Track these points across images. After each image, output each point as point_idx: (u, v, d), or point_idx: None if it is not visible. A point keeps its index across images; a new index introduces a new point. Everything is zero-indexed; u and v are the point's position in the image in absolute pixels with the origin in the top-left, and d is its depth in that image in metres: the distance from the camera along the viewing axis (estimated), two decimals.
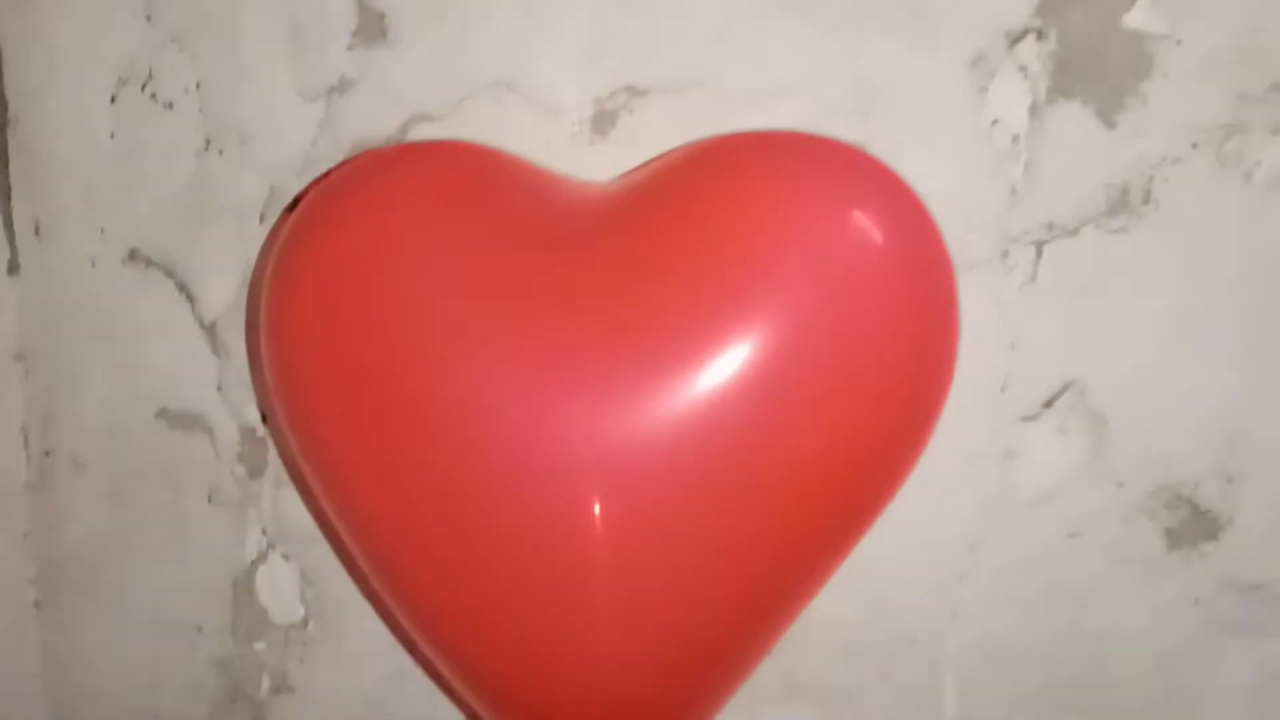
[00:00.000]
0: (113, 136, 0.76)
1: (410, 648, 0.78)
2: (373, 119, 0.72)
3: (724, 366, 0.54)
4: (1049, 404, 0.68)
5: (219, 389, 0.78)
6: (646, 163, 0.65)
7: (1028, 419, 0.69)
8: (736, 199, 0.56)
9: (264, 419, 0.77)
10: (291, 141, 0.73)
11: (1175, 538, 0.68)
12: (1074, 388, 0.68)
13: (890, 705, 0.74)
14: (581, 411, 0.55)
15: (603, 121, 0.69)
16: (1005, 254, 0.67)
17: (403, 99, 0.71)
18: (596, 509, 0.55)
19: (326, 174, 0.71)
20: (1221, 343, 0.66)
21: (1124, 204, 0.65)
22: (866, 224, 0.56)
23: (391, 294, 0.58)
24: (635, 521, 0.56)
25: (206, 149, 0.75)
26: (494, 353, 0.56)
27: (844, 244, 0.55)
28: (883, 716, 0.74)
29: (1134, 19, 0.63)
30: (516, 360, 0.56)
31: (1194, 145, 0.64)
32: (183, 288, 0.77)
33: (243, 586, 0.81)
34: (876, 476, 0.59)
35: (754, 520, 0.57)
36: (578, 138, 0.69)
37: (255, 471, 0.79)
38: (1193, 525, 0.68)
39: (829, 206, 0.56)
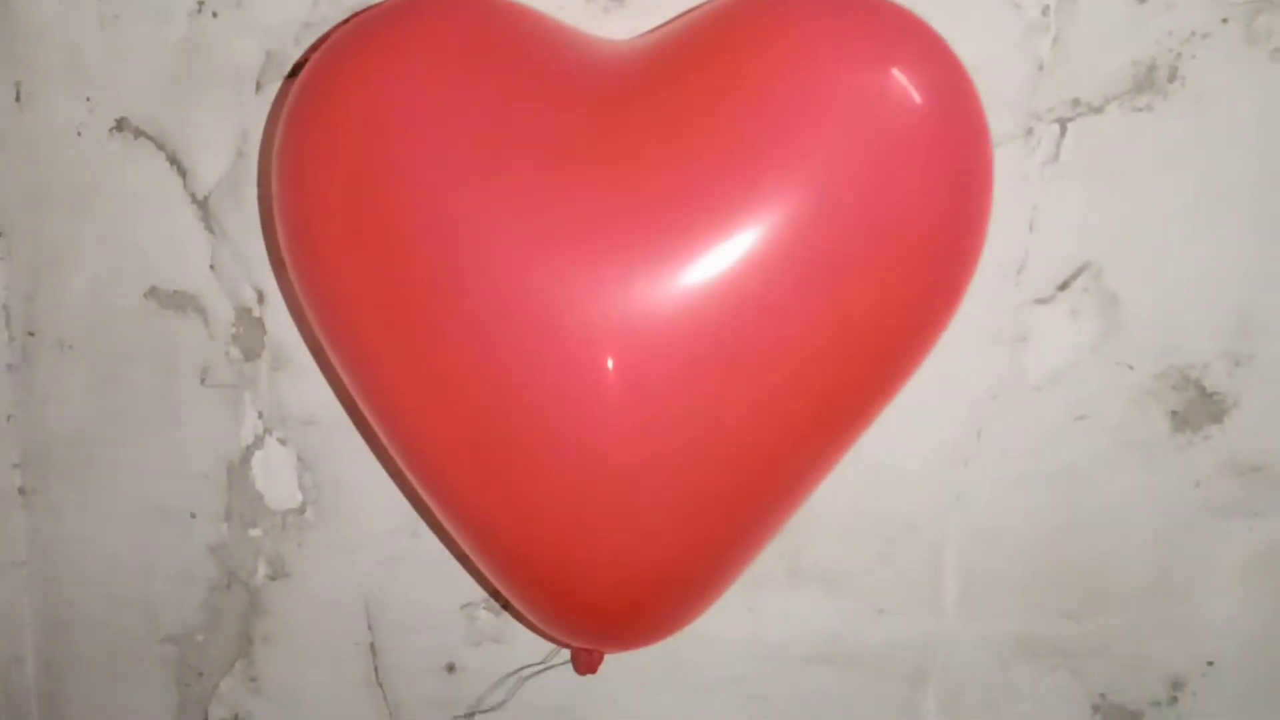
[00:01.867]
0: None
1: (428, 521, 0.74)
2: None
3: (750, 231, 0.50)
4: (1064, 286, 0.66)
5: (212, 267, 0.73)
6: (674, 18, 0.61)
7: (1042, 301, 0.66)
8: (768, 54, 0.52)
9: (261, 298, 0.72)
10: (289, 4, 0.68)
11: (1180, 420, 0.67)
12: (1090, 269, 0.65)
13: (890, 588, 0.72)
14: (603, 273, 0.51)
15: None
16: (1030, 131, 0.64)
17: None
18: (612, 371, 0.52)
19: (336, 27, 0.66)
20: (1240, 226, 0.63)
21: (1150, 82, 0.62)
22: (904, 83, 0.51)
23: (407, 152, 0.53)
24: (651, 386, 0.52)
25: (199, 11, 0.69)
26: (515, 212, 0.52)
27: (878, 103, 0.51)
28: (883, 599, 0.72)
29: None
30: (538, 220, 0.52)
31: (1224, 20, 0.61)
32: (174, 160, 0.72)
33: (238, 471, 0.77)
34: (898, 351, 0.56)
35: (772, 391, 0.53)
36: (594, 3, 0.65)
37: (251, 353, 0.74)
38: (1198, 408, 0.66)
39: (865, 63, 0.52)
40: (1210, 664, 0.70)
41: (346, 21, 0.66)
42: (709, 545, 0.59)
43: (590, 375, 0.52)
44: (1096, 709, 0.72)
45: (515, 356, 0.53)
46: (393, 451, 0.59)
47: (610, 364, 0.52)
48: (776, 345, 0.53)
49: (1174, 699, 0.71)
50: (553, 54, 0.56)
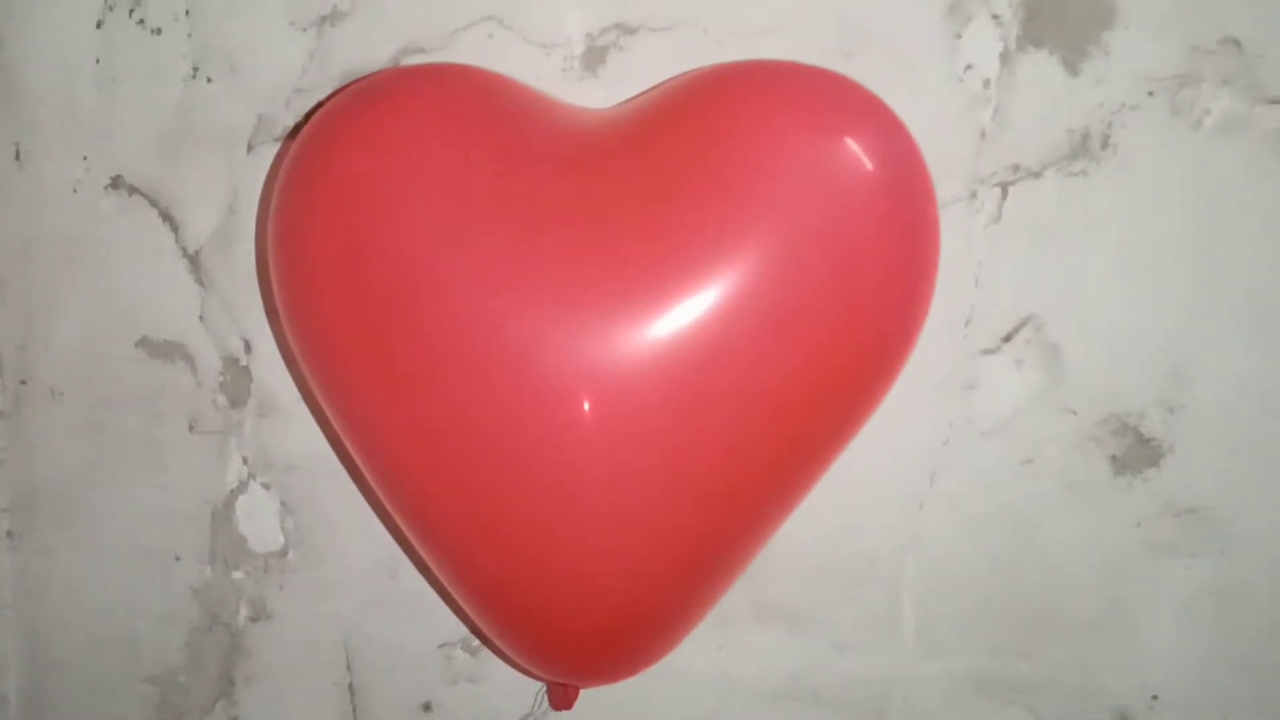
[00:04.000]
0: (98, 62, 0.72)
1: (412, 559, 0.75)
2: (364, 50, 0.69)
3: (715, 285, 0.53)
4: (1008, 338, 0.68)
5: (201, 318, 0.75)
6: (646, 90, 0.64)
7: (988, 352, 0.69)
8: (732, 124, 0.55)
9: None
10: (281, 71, 0.70)
11: (1120, 464, 0.69)
12: (1032, 322, 0.68)
13: (853, 625, 0.74)
14: (579, 325, 0.54)
15: (593, 58, 0.67)
16: (973, 194, 0.67)
17: (394, 31, 0.69)
18: (587, 419, 0.54)
19: (332, 94, 0.68)
20: (1169, 281, 0.67)
21: (1084, 148, 0.65)
22: (857, 150, 0.55)
23: (395, 213, 0.56)
24: (625, 431, 0.55)
25: (194, 76, 0.71)
26: (498, 269, 0.55)
27: (835, 169, 0.55)
28: (846, 636, 0.74)
29: None
30: (519, 276, 0.54)
31: (1150, 93, 0.64)
32: (166, 216, 0.74)
33: (222, 515, 0.78)
34: (857, 398, 0.59)
35: (738, 435, 0.56)
36: (569, 73, 0.68)
37: (237, 401, 0.75)
38: (1137, 452, 0.69)
39: (821, 132, 0.55)
40: (1155, 697, 0.72)
41: (339, 89, 0.68)
42: (680, 582, 0.61)
43: (567, 420, 0.54)
44: None
45: (497, 403, 0.55)
46: (379, 491, 0.61)
47: (586, 409, 0.54)
48: (742, 393, 0.55)
49: None
50: (534, 122, 0.59)
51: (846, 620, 0.74)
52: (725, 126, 0.55)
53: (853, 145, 0.54)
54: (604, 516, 0.56)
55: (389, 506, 0.61)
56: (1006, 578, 0.72)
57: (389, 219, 0.55)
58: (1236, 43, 0.63)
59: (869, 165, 0.54)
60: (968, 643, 0.73)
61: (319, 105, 0.68)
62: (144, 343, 0.76)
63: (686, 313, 0.53)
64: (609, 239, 0.54)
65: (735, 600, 0.73)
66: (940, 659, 0.73)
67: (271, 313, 0.73)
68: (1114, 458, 0.69)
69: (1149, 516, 0.70)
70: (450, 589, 0.62)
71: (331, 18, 0.69)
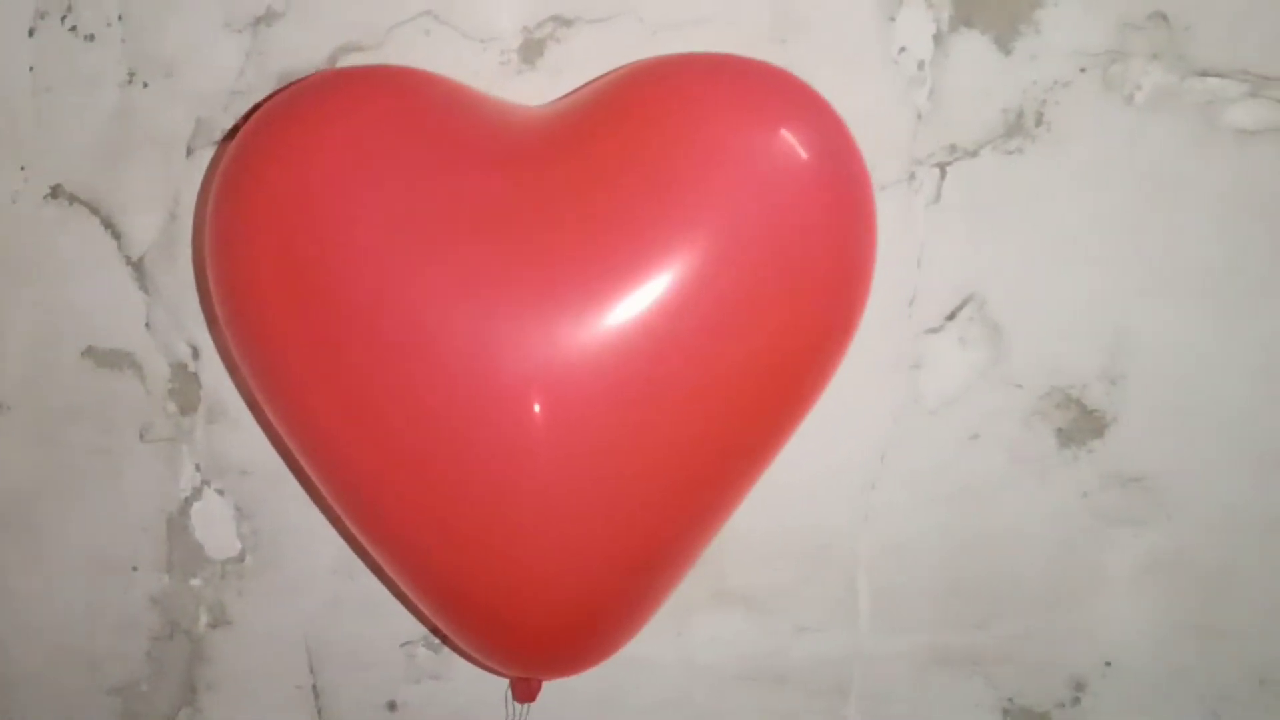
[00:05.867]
0: (32, 70, 0.69)
1: (366, 562, 0.73)
2: (300, 50, 0.67)
3: (657, 277, 0.52)
4: (951, 316, 0.68)
5: (147, 325, 0.72)
6: (583, 85, 0.63)
7: (933, 331, 0.68)
8: (668, 118, 0.54)
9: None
10: (218, 73, 0.68)
11: (1065, 436, 0.69)
12: (974, 300, 0.67)
13: (810, 606, 0.73)
14: (521, 322, 0.53)
15: (531, 50, 0.66)
16: (912, 176, 0.66)
17: (330, 30, 0.67)
18: (536, 415, 0.53)
19: (267, 98, 0.66)
20: (1106, 254, 0.66)
21: (1019, 127, 0.65)
22: (792, 140, 0.54)
23: (335, 216, 0.54)
24: (574, 428, 0.54)
25: (130, 82, 0.69)
26: (438, 267, 0.53)
27: (771, 160, 0.54)
28: (803, 616, 0.73)
29: None
30: (459, 274, 0.53)
31: (1082, 70, 0.64)
32: (108, 224, 0.71)
33: (177, 523, 0.75)
34: (801, 383, 0.58)
35: (687, 425, 0.55)
36: (506, 67, 0.66)
37: (187, 407, 0.73)
38: (1081, 424, 0.69)
39: (756, 124, 0.54)
40: (1108, 664, 0.72)
41: (277, 91, 0.66)
42: (635, 573, 0.60)
43: (517, 418, 0.53)
44: (1006, 712, 0.73)
45: (445, 404, 0.54)
46: (329, 496, 0.60)
47: (535, 406, 0.53)
48: (688, 384, 0.54)
49: (1077, 699, 0.73)
50: (471, 121, 0.58)
51: (805, 601, 0.73)
52: (661, 120, 0.54)
53: (788, 136, 0.53)
54: (557, 512, 0.55)
55: (340, 511, 0.59)
56: (959, 552, 0.71)
57: (326, 222, 0.54)
58: (1164, 17, 0.63)
59: (805, 155, 0.53)
60: (924, 618, 0.72)
61: (257, 107, 0.66)
62: (90, 353, 0.73)
63: (630, 307, 0.52)
64: (550, 237, 0.53)
65: (694, 587, 0.72)
66: (898, 635, 0.73)
67: (213, 320, 0.71)
68: (1059, 430, 0.69)
69: (1095, 487, 0.69)
70: (406, 590, 0.61)
71: (266, 18, 0.67)
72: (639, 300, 0.52)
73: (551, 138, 0.56)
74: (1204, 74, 0.63)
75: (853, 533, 0.72)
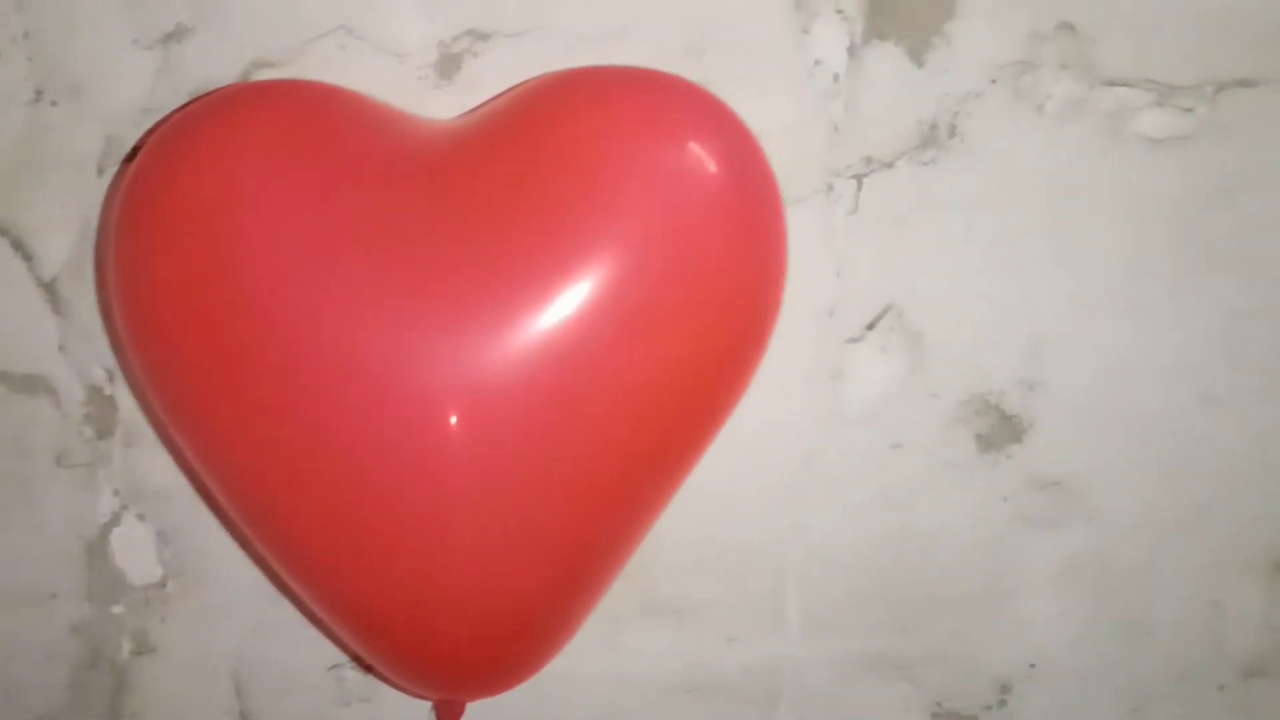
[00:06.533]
0: None
1: (281, 589, 0.72)
2: (212, 66, 0.65)
3: (569, 292, 0.51)
4: (872, 326, 0.68)
5: (61, 348, 0.70)
6: (492, 97, 0.62)
7: (853, 340, 0.68)
8: (577, 132, 0.54)
9: (114, 377, 0.69)
10: (128, 90, 0.66)
11: (985, 442, 0.69)
12: (894, 310, 0.68)
13: (739, 615, 0.73)
14: (434, 337, 0.52)
15: (447, 65, 0.65)
16: (830, 187, 0.66)
17: (243, 45, 0.65)
18: (454, 433, 0.52)
19: (169, 116, 0.64)
20: (1021, 262, 0.67)
21: (933, 138, 0.65)
22: (701, 154, 0.54)
23: (240, 234, 0.53)
24: (491, 444, 0.53)
25: (38, 100, 0.67)
26: (347, 287, 0.52)
27: (680, 174, 0.54)
28: (732, 626, 0.73)
29: None
30: (370, 290, 0.52)
31: (993, 81, 0.64)
32: (18, 245, 0.69)
33: (97, 549, 0.73)
34: (717, 393, 0.58)
35: (604, 437, 0.55)
36: (424, 81, 0.65)
37: (104, 431, 0.71)
38: (1000, 430, 0.69)
39: (665, 138, 0.54)
40: (1032, 666, 0.73)
41: (183, 107, 0.64)
42: (556, 589, 0.59)
43: (433, 437, 0.52)
44: (935, 716, 0.74)
45: (360, 425, 0.52)
46: (241, 522, 0.58)
47: (452, 423, 0.52)
48: (605, 396, 0.54)
49: (1003, 701, 0.73)
50: (380, 135, 0.57)
51: (734, 611, 0.73)
52: (569, 133, 0.53)
53: (696, 148, 0.53)
54: (476, 530, 0.54)
55: (253, 538, 0.58)
56: (885, 559, 0.71)
57: (231, 242, 0.53)
58: (1071, 27, 0.63)
59: (713, 167, 0.53)
60: (852, 624, 0.72)
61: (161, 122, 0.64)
62: (3, 378, 0.71)
63: (542, 320, 0.51)
64: (459, 251, 0.52)
65: (623, 600, 0.71)
66: (826, 642, 0.73)
67: (119, 342, 0.69)
68: (979, 436, 0.69)
69: (1016, 491, 0.70)
70: (323, 617, 0.59)
71: (177, 34, 0.65)
72: (551, 313, 0.51)
73: (461, 152, 0.55)
74: (1112, 83, 0.64)
75: (780, 541, 0.71)
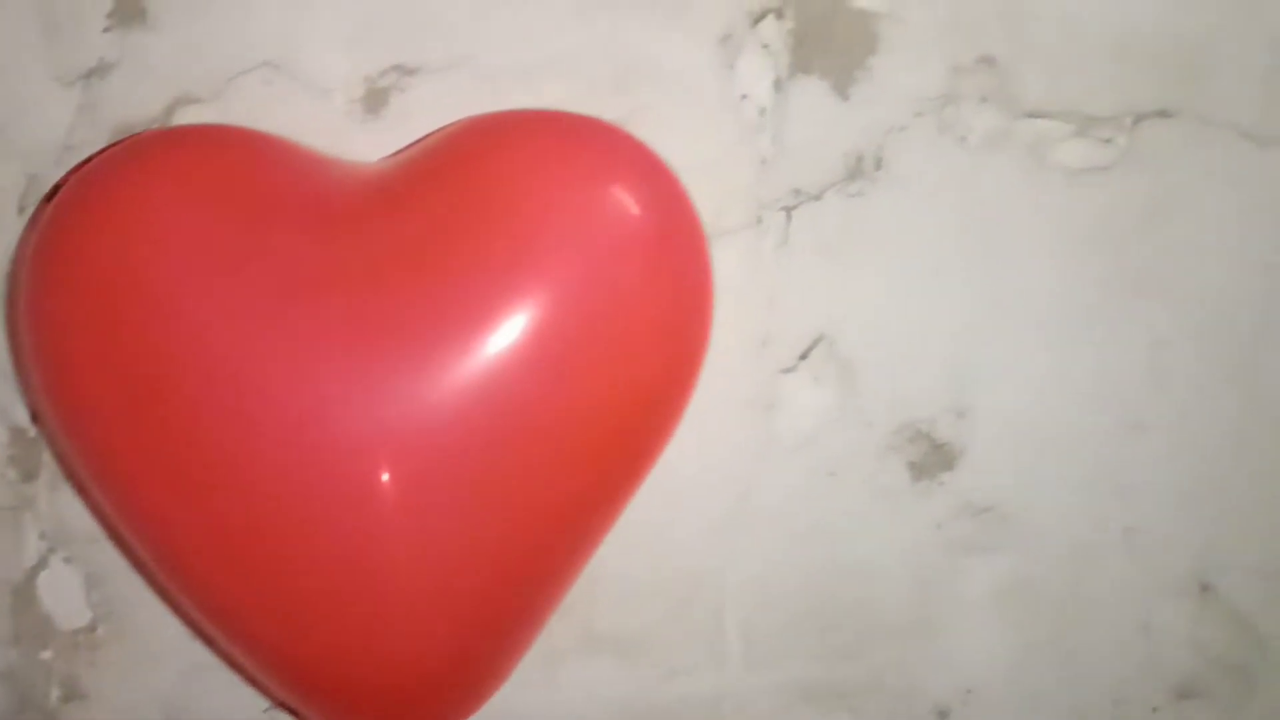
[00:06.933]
0: None
1: (207, 640, 0.70)
2: (135, 103, 0.64)
3: (494, 336, 0.51)
4: (804, 356, 0.68)
5: None
6: (413, 142, 0.62)
7: (787, 371, 0.68)
8: (498, 176, 0.54)
9: (34, 419, 0.68)
10: (48, 128, 0.65)
11: (918, 470, 0.70)
12: (825, 340, 0.68)
13: (679, 647, 0.72)
14: (360, 387, 0.51)
15: (374, 100, 0.64)
16: (759, 219, 0.66)
17: (166, 81, 0.64)
18: (382, 483, 0.51)
19: (86, 160, 0.63)
20: (949, 292, 0.67)
21: (860, 170, 0.65)
22: (622, 196, 0.55)
23: (157, 282, 0.52)
24: (421, 492, 0.52)
25: None
26: (267, 335, 0.51)
27: (602, 216, 0.54)
28: (673, 658, 0.72)
29: None
30: (290, 341, 0.52)
31: (917, 114, 0.65)
32: None
33: (23, 594, 0.71)
34: (648, 429, 0.58)
35: (536, 480, 0.54)
36: (350, 117, 0.64)
37: (29, 474, 0.69)
38: (932, 458, 0.69)
39: (587, 181, 0.55)
40: (969, 692, 0.73)
41: (104, 149, 0.63)
42: (492, 632, 0.58)
43: (364, 488, 0.51)
44: None
45: (284, 473, 0.52)
46: (163, 577, 0.57)
47: (379, 470, 0.51)
48: (534, 436, 0.53)
49: None
50: (302, 180, 0.56)
51: (673, 643, 0.72)
52: (491, 178, 0.53)
53: (617, 191, 0.54)
54: (409, 581, 0.53)
55: (176, 594, 0.57)
56: (823, 587, 0.71)
57: (148, 291, 0.52)
58: (991, 61, 0.64)
59: (634, 209, 0.54)
60: (792, 654, 0.72)
61: (84, 162, 0.63)
62: None
63: (468, 366, 0.51)
64: (384, 298, 0.52)
65: (562, 635, 0.70)
66: (766, 672, 0.72)
67: (30, 386, 0.67)
68: (912, 464, 0.69)
69: (949, 518, 0.70)
70: (255, 672, 0.58)
71: (99, 70, 0.64)
72: (476, 358, 0.51)
73: (383, 197, 0.54)
74: (1032, 115, 0.65)
75: (718, 572, 0.71)
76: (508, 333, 0.51)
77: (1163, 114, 0.65)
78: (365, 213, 0.54)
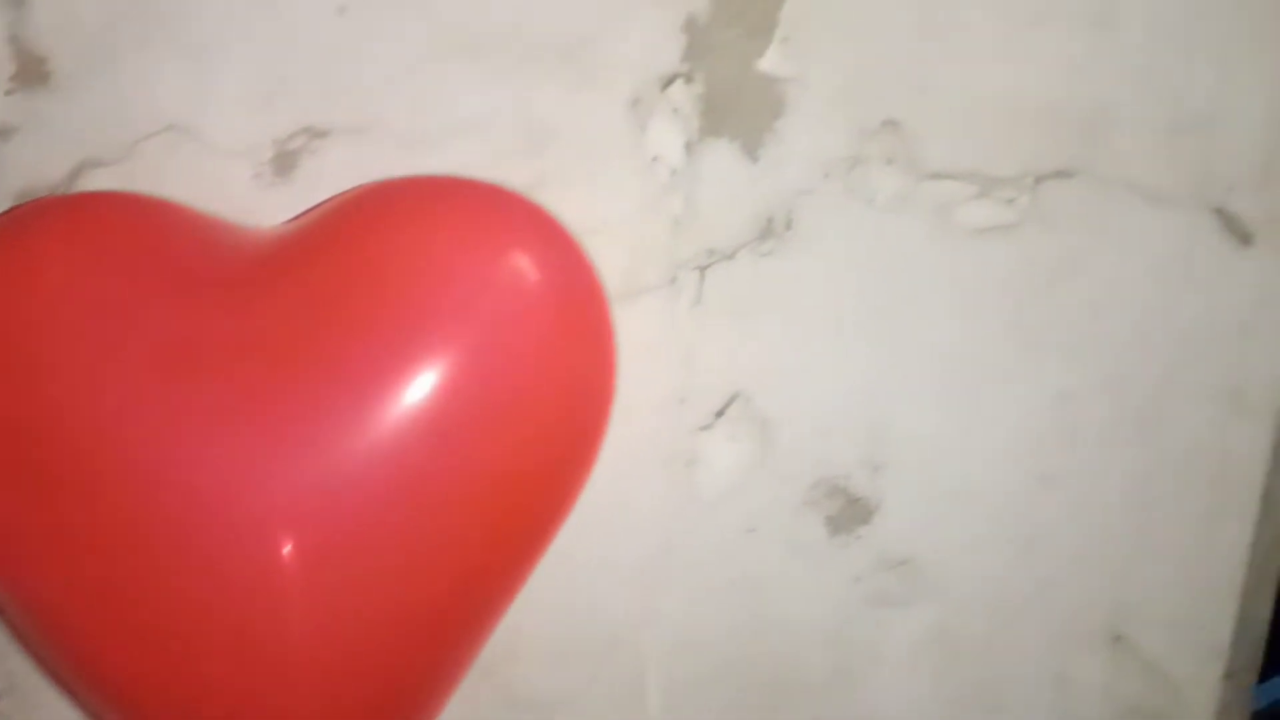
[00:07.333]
0: None
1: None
2: (38, 167, 0.63)
3: (389, 405, 0.51)
4: (721, 413, 0.68)
5: None
6: (313, 207, 0.61)
7: (705, 428, 0.68)
8: (393, 243, 0.54)
9: None
10: None
11: (835, 525, 0.70)
12: (741, 397, 0.68)
13: (601, 707, 0.71)
14: (255, 459, 0.50)
15: (284, 163, 0.63)
16: (673, 279, 0.66)
17: (71, 145, 0.63)
18: (281, 554, 0.50)
19: None
20: (858, 348, 0.68)
21: (770, 230, 0.66)
22: (519, 262, 0.55)
23: (48, 350, 0.51)
24: (319, 563, 0.51)
25: None
26: (159, 407, 0.50)
27: (497, 282, 0.54)
28: (594, 715, 0.71)
29: (766, 64, 0.64)
30: (183, 413, 0.50)
31: (825, 175, 0.66)
32: None
33: None
34: (550, 494, 0.58)
35: (438, 548, 0.54)
36: (260, 179, 0.63)
37: None
38: (849, 512, 0.70)
39: (482, 247, 0.54)
40: None
41: (3, 213, 0.62)
42: (399, 706, 0.57)
43: (260, 560, 0.50)
44: None
45: (180, 555, 0.50)
46: (50, 664, 0.55)
47: (280, 544, 0.50)
48: (434, 506, 0.53)
49: None
50: (200, 247, 0.56)
51: (595, 702, 0.71)
52: (388, 246, 0.53)
53: (516, 257, 0.54)
54: (313, 654, 0.52)
55: (65, 680, 0.55)
56: (744, 643, 0.71)
57: (41, 362, 0.50)
58: (895, 124, 0.65)
59: (533, 275, 0.54)
60: (713, 711, 0.72)
61: None
62: None
63: (366, 436, 0.50)
64: (281, 367, 0.51)
65: (483, 696, 0.69)
66: None
67: None
68: (829, 518, 0.70)
69: (866, 571, 0.70)
70: None
71: (1, 134, 0.63)
72: (373, 427, 0.50)
73: (280, 264, 0.54)
74: (936, 176, 0.66)
75: (639, 630, 0.70)
76: (404, 401, 0.50)
77: (1062, 174, 0.66)
78: (262, 281, 0.53)
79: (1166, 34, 0.66)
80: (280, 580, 0.50)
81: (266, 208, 0.62)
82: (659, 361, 0.66)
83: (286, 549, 0.50)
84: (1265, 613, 0.73)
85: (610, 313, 0.57)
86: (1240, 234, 0.67)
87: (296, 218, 0.61)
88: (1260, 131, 0.67)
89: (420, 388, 0.50)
